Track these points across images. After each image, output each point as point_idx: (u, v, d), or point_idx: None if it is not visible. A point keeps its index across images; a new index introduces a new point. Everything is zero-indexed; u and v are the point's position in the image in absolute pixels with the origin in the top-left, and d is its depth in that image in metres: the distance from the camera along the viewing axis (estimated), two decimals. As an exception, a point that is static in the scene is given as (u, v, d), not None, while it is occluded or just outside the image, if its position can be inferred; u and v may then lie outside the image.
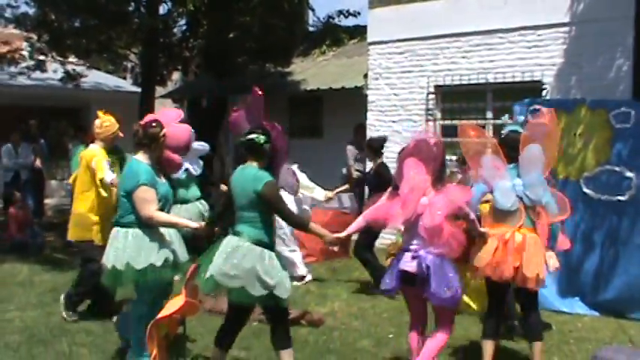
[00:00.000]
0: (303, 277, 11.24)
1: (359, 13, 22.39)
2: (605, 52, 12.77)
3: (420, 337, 6.72)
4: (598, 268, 9.73)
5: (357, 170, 14.27)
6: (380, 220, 6.66)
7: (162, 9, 18.32)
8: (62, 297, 8.89)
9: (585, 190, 9.62)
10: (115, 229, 6.85)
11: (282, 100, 19.68)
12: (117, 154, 9.21)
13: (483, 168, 6.90)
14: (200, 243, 8.14)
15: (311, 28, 23.60)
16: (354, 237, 9.76)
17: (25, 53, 18.74)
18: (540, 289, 7.00)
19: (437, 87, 14.99)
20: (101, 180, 8.42)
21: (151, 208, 6.62)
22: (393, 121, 15.44)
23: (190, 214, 10.48)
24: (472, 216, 6.57)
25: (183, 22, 19.14)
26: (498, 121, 13.07)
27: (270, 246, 6.23)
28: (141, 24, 17.15)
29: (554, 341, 8.14)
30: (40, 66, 18.42)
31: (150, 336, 6.16)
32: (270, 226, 6.28)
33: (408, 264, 6.42)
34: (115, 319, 7.93)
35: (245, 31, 17.59)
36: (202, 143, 11.22)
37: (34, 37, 18.04)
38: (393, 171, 7.74)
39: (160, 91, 21.34)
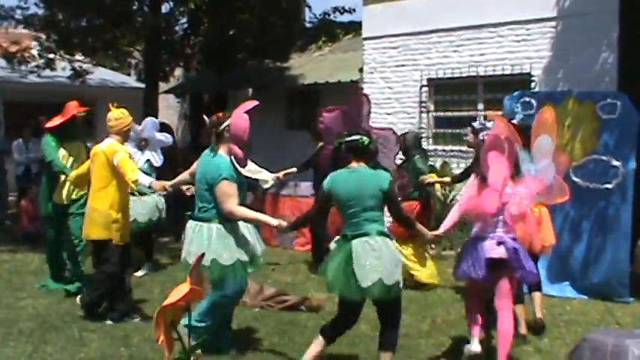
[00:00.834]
0: None
1: (354, 10, 22.56)
2: (591, 45, 13.00)
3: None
4: (586, 253, 9.94)
5: None
6: (474, 210, 6.84)
7: (165, 8, 18.56)
8: (78, 300, 8.64)
9: (574, 178, 9.68)
10: (195, 224, 6.75)
11: (280, 94, 19.92)
12: (72, 141, 9.47)
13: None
14: None
15: (308, 25, 23.69)
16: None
17: (34, 52, 19.00)
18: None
19: (430, 80, 15.30)
20: (134, 181, 7.90)
21: (232, 203, 6.59)
22: (388, 114, 15.75)
23: (146, 206, 10.65)
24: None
25: (184, 20, 19.28)
26: (489, 113, 13.43)
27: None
28: (144, 22, 17.40)
29: (545, 323, 8.16)
30: (50, 64, 18.67)
31: (157, 323, 6.12)
32: None
33: (496, 250, 6.68)
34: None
35: (244, 28, 17.70)
36: (166, 135, 11.16)
37: (43, 36, 18.32)
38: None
39: (162, 86, 21.50)
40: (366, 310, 8.77)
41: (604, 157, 9.80)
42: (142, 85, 20.72)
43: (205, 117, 7.08)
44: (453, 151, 14.60)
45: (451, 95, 14.99)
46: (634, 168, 9.71)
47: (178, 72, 24.24)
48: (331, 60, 20.23)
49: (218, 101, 22.08)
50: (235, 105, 18.96)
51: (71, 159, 9.53)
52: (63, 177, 9.42)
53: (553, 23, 13.62)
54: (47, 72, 19.39)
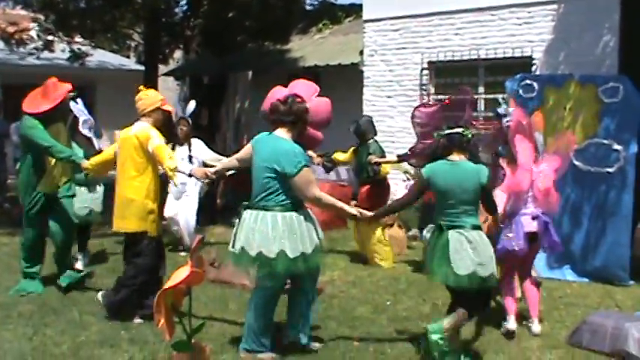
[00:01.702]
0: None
1: (354, -8, 22.62)
2: (593, 28, 13.01)
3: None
4: (587, 237, 9.89)
5: None
6: (514, 188, 7.30)
7: (164, -11, 18.50)
8: (100, 297, 7.83)
9: (575, 162, 9.62)
10: (257, 213, 6.30)
11: (280, 76, 19.82)
12: (54, 122, 8.49)
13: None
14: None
15: (308, 7, 23.74)
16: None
17: (33, 34, 18.95)
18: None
19: (430, 63, 15.30)
20: (173, 169, 7.32)
21: (316, 189, 6.36)
22: (389, 97, 15.75)
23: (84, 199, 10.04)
24: None
25: (184, 2, 19.33)
26: (490, 96, 13.41)
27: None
28: (143, 4, 17.34)
29: (545, 307, 8.18)
30: (48, 46, 18.67)
31: (157, 306, 6.09)
32: None
33: (532, 225, 7.27)
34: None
35: (244, 10, 17.69)
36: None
37: (42, 17, 18.26)
38: None
39: (162, 69, 21.58)
40: (364, 294, 8.87)
41: (605, 141, 9.69)
42: (142, 68, 20.77)
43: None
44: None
45: (452, 78, 14.94)
46: (635, 152, 9.66)
47: (178, 54, 24.28)
48: (332, 42, 20.22)
49: (218, 84, 22.08)
50: (235, 88, 18.89)
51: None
52: (52, 162, 8.56)
53: (554, 6, 13.61)
54: (46, 54, 19.39)
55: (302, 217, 6.33)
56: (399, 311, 8.17)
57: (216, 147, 14.56)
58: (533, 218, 7.26)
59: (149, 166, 7.51)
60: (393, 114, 15.29)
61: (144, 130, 7.50)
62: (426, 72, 15.37)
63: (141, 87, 8.02)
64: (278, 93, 6.92)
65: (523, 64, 13.52)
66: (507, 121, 7.62)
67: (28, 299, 8.41)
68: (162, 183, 8.05)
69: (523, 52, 13.91)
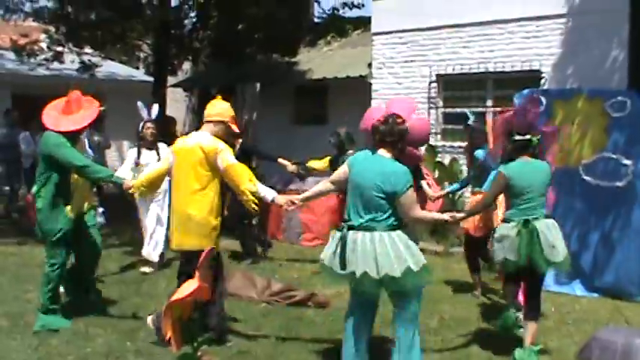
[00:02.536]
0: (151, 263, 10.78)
1: (363, 5, 22.70)
2: (602, 43, 13.00)
3: None
4: (597, 252, 9.81)
5: None
6: None
7: (174, 1, 18.73)
8: (149, 322, 7.35)
9: (584, 177, 9.68)
10: (370, 234, 6.10)
11: (288, 88, 19.91)
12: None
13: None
14: None
15: (316, 20, 23.78)
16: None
17: (43, 45, 19.05)
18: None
19: (439, 76, 15.31)
20: (254, 193, 6.99)
21: (418, 209, 6.42)
22: (397, 110, 15.68)
23: None
24: None
25: (193, 14, 19.40)
26: (499, 109, 13.39)
27: None
28: (153, 16, 17.50)
29: (553, 322, 8.21)
30: (58, 57, 18.78)
31: (165, 318, 6.16)
32: None
33: None
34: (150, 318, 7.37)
35: (253, 22, 17.75)
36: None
37: (52, 29, 18.41)
38: None
39: (171, 80, 21.60)
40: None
41: (614, 156, 9.63)
42: (151, 79, 20.81)
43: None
44: (461, 147, 14.52)
45: (460, 91, 14.99)
46: (644, 166, 9.63)
47: (187, 66, 24.31)
48: (340, 55, 20.23)
49: (226, 95, 22.13)
50: (243, 100, 18.91)
51: None
52: (80, 182, 7.97)
53: (563, 20, 13.61)
54: (56, 65, 19.48)
55: (407, 233, 6.31)
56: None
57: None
58: None
59: (214, 180, 7.06)
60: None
61: (210, 141, 7.07)
62: (434, 85, 15.36)
63: (218, 96, 7.74)
64: (376, 112, 7.06)
65: (531, 78, 13.53)
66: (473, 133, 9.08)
67: (34, 309, 8.27)
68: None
69: (531, 65, 13.89)
